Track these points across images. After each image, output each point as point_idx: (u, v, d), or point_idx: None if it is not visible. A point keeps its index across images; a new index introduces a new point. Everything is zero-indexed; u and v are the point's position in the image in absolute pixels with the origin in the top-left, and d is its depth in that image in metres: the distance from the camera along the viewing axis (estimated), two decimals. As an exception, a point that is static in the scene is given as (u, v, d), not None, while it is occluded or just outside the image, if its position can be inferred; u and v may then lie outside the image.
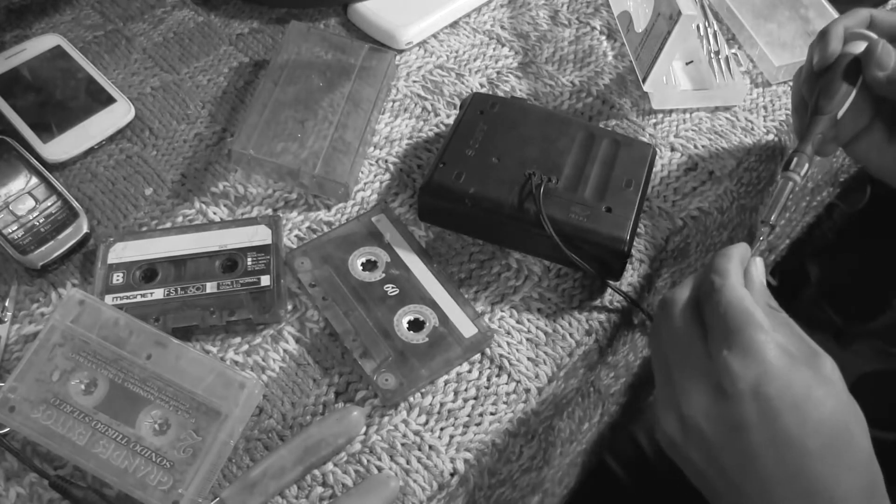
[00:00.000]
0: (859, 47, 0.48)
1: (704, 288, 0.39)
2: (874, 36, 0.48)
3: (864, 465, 0.35)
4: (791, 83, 0.62)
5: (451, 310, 0.48)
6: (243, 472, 0.42)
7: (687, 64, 0.62)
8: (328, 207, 0.54)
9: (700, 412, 0.36)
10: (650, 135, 0.59)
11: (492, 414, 0.46)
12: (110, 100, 0.58)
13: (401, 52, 0.63)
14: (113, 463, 0.41)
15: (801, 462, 0.34)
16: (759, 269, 0.40)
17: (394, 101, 0.60)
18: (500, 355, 0.48)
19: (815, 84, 0.50)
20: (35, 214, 0.51)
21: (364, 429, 0.45)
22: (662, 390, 0.39)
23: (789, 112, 0.61)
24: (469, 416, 0.45)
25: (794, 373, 0.35)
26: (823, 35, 0.49)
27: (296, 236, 0.52)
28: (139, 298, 0.48)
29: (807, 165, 0.46)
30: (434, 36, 0.65)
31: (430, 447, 0.44)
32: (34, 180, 0.53)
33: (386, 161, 0.56)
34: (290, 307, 0.49)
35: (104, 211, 0.54)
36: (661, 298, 0.42)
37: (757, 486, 0.35)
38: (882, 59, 0.46)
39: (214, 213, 0.54)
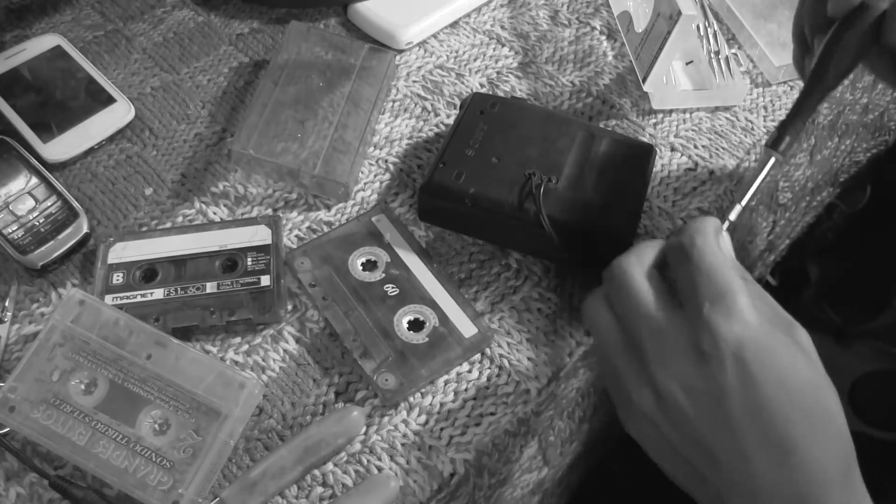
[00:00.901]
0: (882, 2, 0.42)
1: (675, 253, 0.37)
2: None
3: (842, 438, 0.34)
4: (791, 83, 0.62)
5: (451, 310, 0.48)
6: (243, 472, 0.42)
7: (687, 64, 0.62)
8: (328, 207, 0.54)
9: (678, 380, 0.34)
10: (650, 135, 0.59)
11: (492, 414, 0.46)
12: (110, 100, 0.58)
13: (401, 52, 0.63)
14: (113, 463, 0.41)
15: (781, 431, 0.33)
16: (728, 243, 0.38)
17: (394, 101, 0.60)
18: (500, 355, 0.48)
19: (819, 24, 0.44)
20: (35, 214, 0.51)
21: (364, 429, 0.45)
22: (629, 367, 0.37)
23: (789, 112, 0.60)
24: (469, 416, 0.45)
25: (775, 339, 0.34)
26: None
27: (296, 236, 0.52)
28: (139, 298, 0.48)
29: (794, 144, 0.43)
30: (434, 36, 0.65)
31: (430, 447, 0.44)
32: (34, 180, 0.53)
33: (386, 161, 0.56)
34: (290, 307, 0.49)
35: (104, 211, 0.54)
36: (609, 268, 0.39)
37: (735, 458, 0.34)
38: None
39: (214, 213, 0.54)
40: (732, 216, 0.41)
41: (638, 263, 0.38)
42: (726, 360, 0.33)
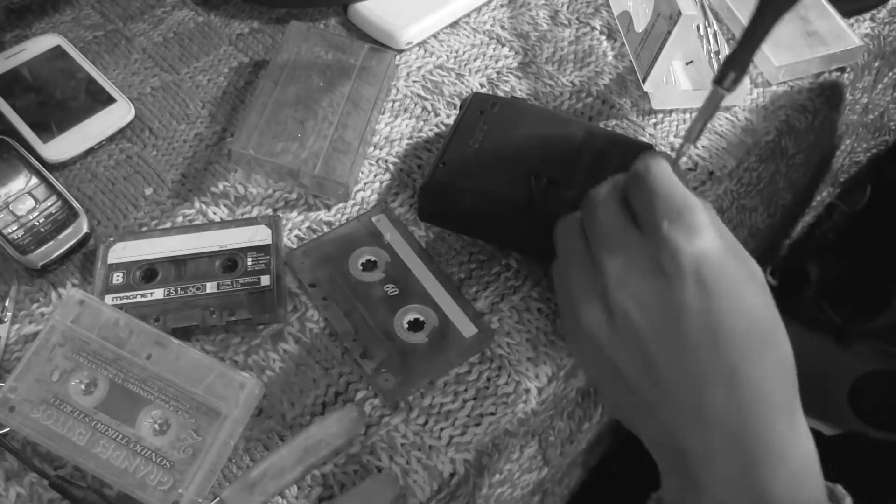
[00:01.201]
0: None
1: (633, 182, 0.36)
2: None
3: (788, 367, 0.34)
4: (791, 84, 0.62)
5: (451, 310, 0.48)
6: (243, 472, 0.42)
7: (687, 64, 0.62)
8: (328, 207, 0.54)
9: (633, 298, 0.33)
10: (650, 135, 0.59)
11: (492, 414, 0.46)
12: (110, 100, 0.58)
13: (401, 52, 0.63)
14: (113, 463, 0.41)
15: (734, 353, 0.32)
16: (682, 175, 0.38)
17: (394, 101, 0.60)
18: (500, 355, 0.48)
19: None
20: (35, 214, 0.51)
21: (364, 429, 0.45)
22: (584, 282, 0.36)
23: (789, 112, 0.61)
24: (469, 416, 0.45)
25: (732, 260, 0.33)
26: None
27: (296, 236, 0.52)
28: (139, 298, 0.48)
29: (740, 79, 0.41)
30: (434, 36, 0.65)
31: (430, 447, 0.44)
32: (34, 180, 0.53)
33: (386, 161, 0.56)
34: (290, 307, 0.49)
35: (104, 211, 0.54)
36: (586, 198, 0.39)
37: (687, 382, 0.33)
38: None
39: (214, 213, 0.54)
40: (683, 150, 0.41)
41: (613, 190, 0.37)
42: (686, 278, 0.32)
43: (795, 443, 0.33)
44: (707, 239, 0.33)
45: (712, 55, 0.61)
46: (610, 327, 0.34)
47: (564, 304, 0.38)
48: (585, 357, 0.37)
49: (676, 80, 0.61)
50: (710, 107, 0.41)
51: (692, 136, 0.41)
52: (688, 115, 0.60)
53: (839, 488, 0.34)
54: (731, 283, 0.33)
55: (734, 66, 0.40)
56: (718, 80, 0.40)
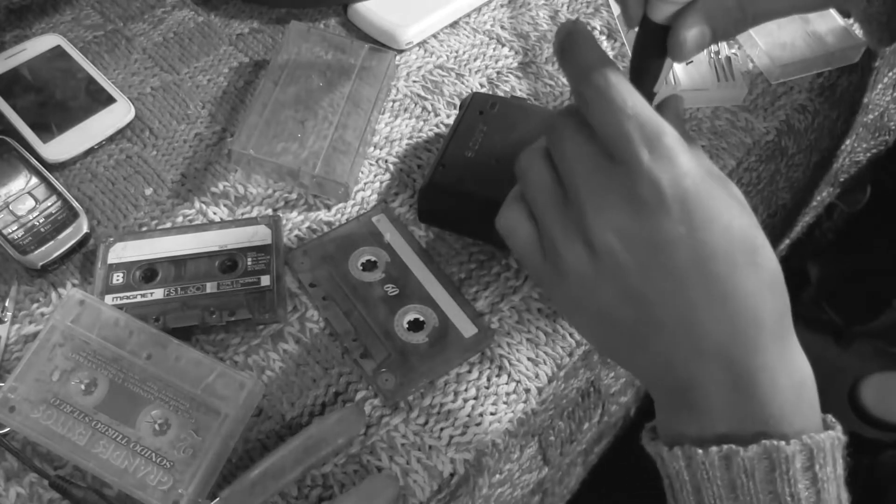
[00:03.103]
0: None
1: (597, 105, 0.33)
2: None
3: (780, 285, 0.33)
4: (791, 83, 0.62)
5: (451, 310, 0.48)
6: (243, 472, 0.42)
7: (687, 64, 0.62)
8: (328, 207, 0.54)
9: (618, 233, 0.32)
10: (650, 135, 0.59)
11: (492, 414, 0.46)
12: (110, 100, 0.58)
13: (401, 52, 0.63)
14: (113, 463, 0.41)
15: (725, 277, 0.31)
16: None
17: (394, 101, 0.60)
18: (500, 355, 0.48)
19: None
20: (35, 214, 0.51)
21: (364, 429, 0.45)
22: (562, 221, 0.34)
23: (789, 112, 0.61)
24: (469, 416, 0.45)
25: (712, 182, 0.32)
26: None
27: (296, 236, 0.52)
28: (139, 298, 0.48)
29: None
30: (434, 36, 0.65)
31: (430, 447, 0.44)
32: (34, 180, 0.53)
33: (386, 161, 0.56)
34: (290, 307, 0.49)
35: (104, 211, 0.54)
36: (550, 129, 0.36)
37: (679, 312, 0.32)
38: None
39: (214, 213, 0.54)
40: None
41: (578, 120, 0.35)
42: (670, 207, 0.31)
43: (787, 365, 0.32)
44: (686, 164, 0.32)
45: (712, 55, 0.61)
46: (594, 265, 0.33)
47: (533, 248, 0.36)
48: (569, 299, 0.35)
49: (676, 80, 0.61)
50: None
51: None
52: (688, 115, 0.60)
53: (829, 417, 0.34)
54: (715, 207, 0.32)
55: None
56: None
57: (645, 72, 0.37)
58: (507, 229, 0.37)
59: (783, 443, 0.31)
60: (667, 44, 0.35)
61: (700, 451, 0.32)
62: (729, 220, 0.32)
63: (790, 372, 0.33)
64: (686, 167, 0.32)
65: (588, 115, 0.33)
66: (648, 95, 0.37)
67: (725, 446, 0.31)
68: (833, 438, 0.32)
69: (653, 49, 0.36)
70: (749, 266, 0.32)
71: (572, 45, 0.34)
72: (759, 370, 0.32)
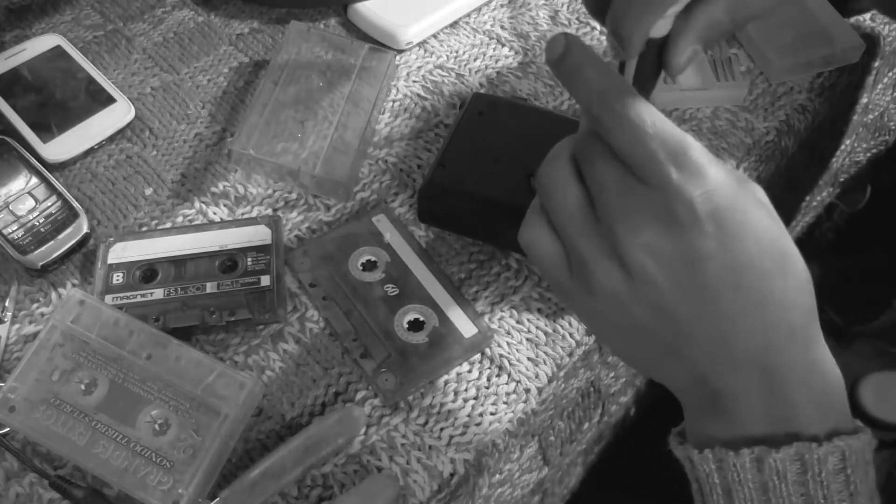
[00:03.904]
0: None
1: (617, 127, 0.33)
2: None
3: (808, 290, 0.33)
4: (791, 83, 0.62)
5: (451, 310, 0.48)
6: (243, 473, 0.42)
7: (687, 64, 0.62)
8: (328, 207, 0.54)
9: (651, 251, 0.32)
10: (650, 135, 0.59)
11: (492, 414, 0.46)
12: (110, 100, 0.58)
13: (401, 52, 0.63)
14: (113, 463, 0.41)
15: (759, 288, 0.32)
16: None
17: (394, 101, 0.60)
18: (500, 355, 0.48)
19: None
20: (35, 214, 0.51)
21: (364, 429, 0.45)
22: (592, 241, 0.34)
23: (789, 112, 0.61)
24: (469, 416, 0.45)
25: (742, 195, 0.32)
26: None
27: (296, 236, 0.52)
28: (139, 298, 0.48)
29: None
30: (434, 36, 0.65)
31: (430, 447, 0.44)
32: (34, 180, 0.53)
33: (386, 161, 0.56)
34: (290, 307, 0.49)
35: (104, 211, 0.54)
36: (579, 147, 0.35)
37: (714, 327, 0.32)
38: None
39: (214, 213, 0.54)
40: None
41: (599, 142, 0.34)
42: (704, 224, 0.31)
43: (817, 368, 0.33)
44: (715, 179, 0.32)
45: (712, 55, 0.61)
46: (628, 284, 0.33)
47: (559, 264, 0.36)
48: (597, 315, 0.35)
49: (676, 80, 0.61)
50: None
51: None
52: (688, 115, 0.60)
53: (857, 421, 0.34)
54: (746, 221, 0.32)
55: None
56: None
57: (641, 88, 0.37)
58: (529, 245, 0.37)
59: (815, 444, 0.31)
60: (663, 62, 0.36)
61: (732, 453, 0.32)
62: (760, 231, 0.32)
63: (821, 375, 0.33)
64: (715, 182, 0.32)
65: (608, 138, 0.33)
66: None
67: (757, 448, 0.31)
68: (864, 441, 0.32)
69: (650, 64, 0.37)
70: (779, 276, 0.32)
71: (574, 66, 0.34)
72: (792, 375, 0.32)
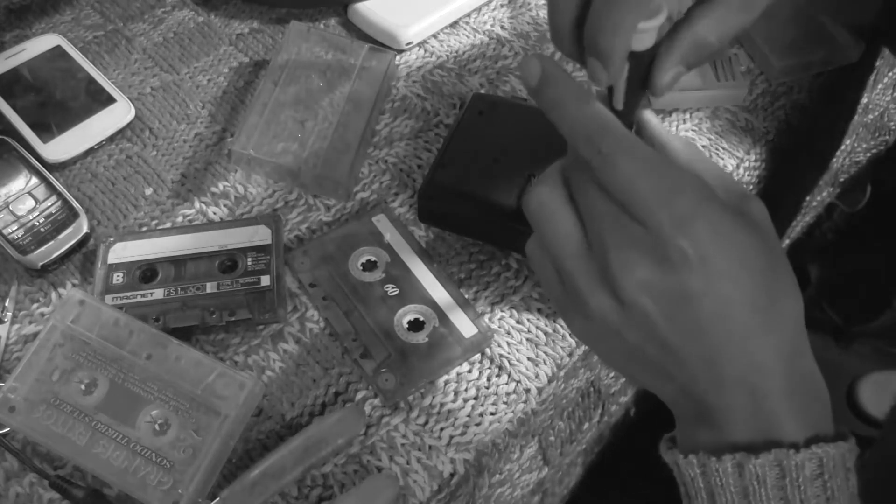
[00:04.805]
0: None
1: (609, 168, 0.34)
2: None
3: (798, 312, 0.34)
4: (790, 83, 0.62)
5: (451, 310, 0.48)
6: (243, 472, 0.42)
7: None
8: (328, 207, 0.54)
9: (643, 287, 0.33)
10: (650, 135, 0.59)
11: (492, 414, 0.46)
12: (110, 100, 0.58)
13: (401, 52, 0.63)
14: (113, 463, 0.41)
15: (748, 320, 0.33)
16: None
17: (394, 101, 0.60)
18: (500, 355, 0.48)
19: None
20: (35, 214, 0.51)
21: (364, 429, 0.45)
22: (587, 270, 0.35)
23: (789, 112, 0.61)
24: (469, 416, 0.45)
25: (733, 224, 0.33)
26: None
27: (296, 236, 0.52)
28: (139, 298, 0.48)
29: None
30: (434, 36, 0.65)
31: (430, 447, 0.44)
32: (34, 180, 0.53)
33: (386, 161, 0.56)
34: (290, 307, 0.49)
35: (104, 211, 0.54)
36: (577, 170, 0.36)
37: (701, 353, 0.33)
38: None
39: (214, 213, 0.54)
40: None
41: (589, 179, 0.35)
42: (694, 264, 0.32)
43: (802, 380, 0.34)
44: (707, 220, 0.32)
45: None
46: (620, 314, 0.34)
47: (558, 292, 0.37)
48: (591, 334, 0.37)
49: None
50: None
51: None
52: (688, 115, 0.60)
53: (844, 428, 0.35)
54: (736, 258, 0.33)
55: None
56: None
57: (627, 104, 0.37)
58: (529, 258, 0.39)
59: (793, 451, 0.32)
60: (647, 82, 0.36)
61: (714, 458, 0.33)
62: (750, 267, 0.33)
63: (805, 386, 0.34)
64: (709, 224, 0.32)
65: (598, 176, 0.34)
66: (629, 124, 0.38)
67: (738, 454, 0.33)
68: (844, 449, 0.33)
69: (636, 80, 0.36)
70: (769, 307, 0.33)
71: (556, 100, 0.35)
72: (775, 390, 0.33)
